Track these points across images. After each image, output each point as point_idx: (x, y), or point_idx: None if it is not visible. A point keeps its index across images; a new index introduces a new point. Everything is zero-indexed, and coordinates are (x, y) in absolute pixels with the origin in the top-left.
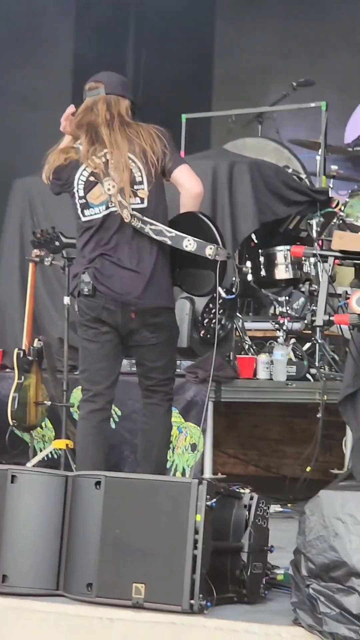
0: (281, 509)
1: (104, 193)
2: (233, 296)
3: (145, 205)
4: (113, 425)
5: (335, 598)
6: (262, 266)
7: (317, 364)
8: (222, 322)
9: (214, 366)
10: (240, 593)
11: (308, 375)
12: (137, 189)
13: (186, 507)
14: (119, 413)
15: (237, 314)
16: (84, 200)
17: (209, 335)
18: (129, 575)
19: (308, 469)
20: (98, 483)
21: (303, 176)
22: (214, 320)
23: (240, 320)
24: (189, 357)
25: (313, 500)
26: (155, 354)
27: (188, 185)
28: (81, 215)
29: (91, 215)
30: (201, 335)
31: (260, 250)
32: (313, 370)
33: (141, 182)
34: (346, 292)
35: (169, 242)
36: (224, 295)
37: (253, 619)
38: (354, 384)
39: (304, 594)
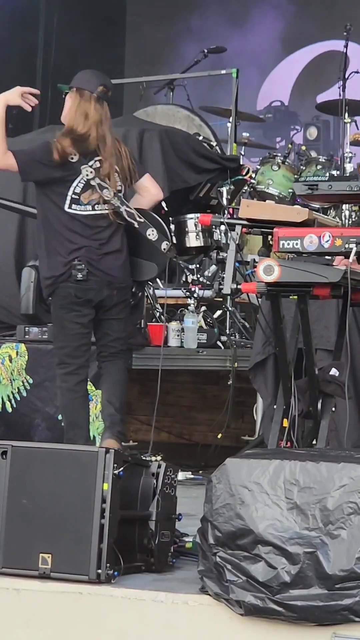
0: (193, 476)
1: (99, 197)
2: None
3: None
4: (24, 394)
5: (242, 566)
6: (172, 234)
7: (227, 331)
8: (133, 289)
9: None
10: (148, 562)
11: (219, 343)
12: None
13: (93, 475)
14: (31, 381)
15: (148, 281)
16: (76, 197)
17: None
18: (36, 546)
19: (219, 435)
20: (4, 453)
21: (214, 144)
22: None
23: (152, 288)
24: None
25: (219, 468)
26: (121, 326)
27: (154, 191)
28: (66, 207)
29: (77, 210)
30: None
31: (170, 218)
32: (224, 338)
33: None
34: (254, 260)
35: (136, 226)
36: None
37: (160, 588)
38: (264, 351)
39: (210, 562)
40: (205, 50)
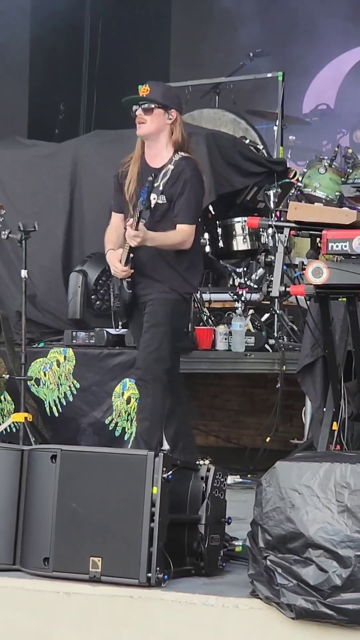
0: (241, 480)
1: None
2: None
3: None
4: (71, 398)
5: (293, 569)
6: (219, 237)
7: (275, 334)
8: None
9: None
10: (198, 565)
11: (267, 346)
12: None
13: (142, 479)
14: (78, 386)
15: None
16: None
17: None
18: (86, 549)
19: (268, 439)
20: (54, 457)
21: (260, 147)
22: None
23: (199, 292)
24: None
25: (269, 471)
26: None
27: None
28: None
29: None
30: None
31: (217, 222)
32: (272, 341)
33: None
34: (302, 262)
35: None
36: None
37: (210, 592)
38: (312, 354)
39: (261, 566)
40: (251, 54)
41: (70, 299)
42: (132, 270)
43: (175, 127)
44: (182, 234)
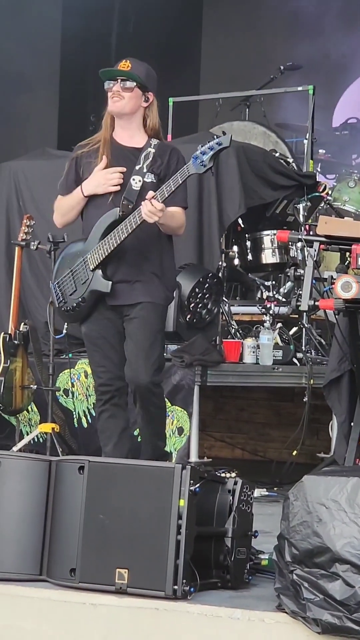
0: (267, 493)
1: None
2: None
3: None
4: None
5: (319, 584)
6: (249, 250)
7: (303, 348)
8: (208, 306)
9: (199, 350)
10: (224, 578)
11: (294, 360)
12: None
13: (169, 492)
14: None
15: (224, 298)
16: None
17: (195, 320)
18: (113, 561)
19: (294, 452)
20: (81, 468)
21: (290, 160)
22: (199, 305)
23: (227, 305)
24: (175, 342)
25: (297, 485)
26: None
27: None
28: None
29: None
30: (187, 319)
31: (247, 235)
32: (299, 355)
33: None
34: (331, 277)
35: None
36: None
37: (237, 605)
38: (339, 368)
39: (287, 580)
40: (282, 67)
41: None
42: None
43: (151, 112)
44: (180, 216)
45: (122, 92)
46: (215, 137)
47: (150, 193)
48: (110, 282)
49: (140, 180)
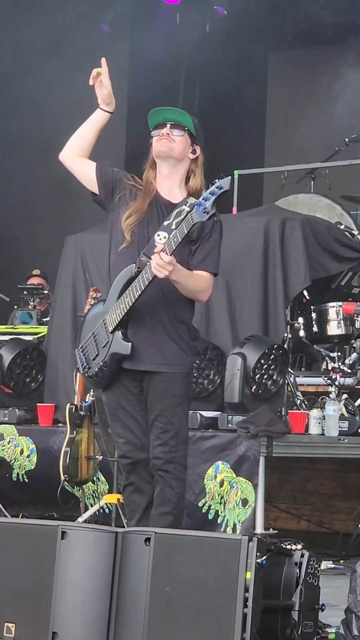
0: (333, 566)
1: None
2: None
3: None
4: None
5: None
6: (314, 322)
7: None
8: (274, 377)
9: (265, 421)
10: None
11: None
12: None
13: (236, 564)
14: None
15: (289, 369)
16: None
17: (260, 391)
18: (179, 634)
19: None
20: (148, 539)
21: (355, 232)
22: (265, 376)
23: (292, 376)
24: (240, 412)
25: None
26: None
27: None
28: None
29: None
30: (252, 390)
31: (312, 307)
32: None
33: None
34: None
35: None
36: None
37: None
38: None
39: None
40: (347, 139)
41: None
42: None
43: (197, 168)
44: (204, 281)
45: (174, 135)
46: (216, 180)
47: (159, 247)
48: (130, 344)
49: (165, 237)
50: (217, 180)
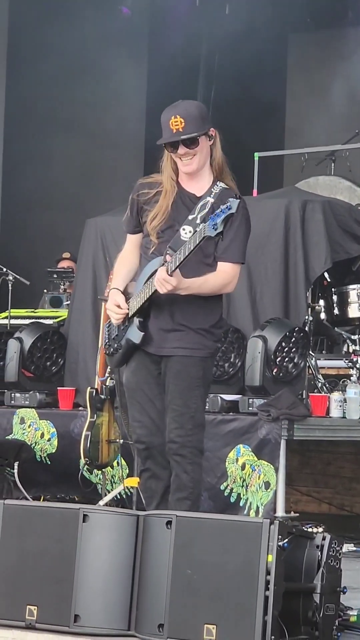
0: (355, 548)
1: None
2: None
3: None
4: None
5: None
6: (335, 305)
7: None
8: (295, 360)
9: (286, 404)
10: (313, 635)
11: None
12: None
13: (257, 547)
14: None
15: (310, 352)
16: None
17: (281, 374)
18: (200, 616)
19: None
20: (169, 523)
21: None
22: (286, 359)
23: (313, 359)
24: (261, 396)
25: None
26: None
27: None
28: None
29: None
30: (273, 373)
31: (333, 289)
32: None
33: None
34: None
35: None
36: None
37: None
38: None
39: None
40: None
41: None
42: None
43: (215, 147)
44: (224, 275)
45: (191, 151)
46: (228, 200)
47: (161, 270)
48: (143, 334)
49: (190, 231)
50: (229, 199)
